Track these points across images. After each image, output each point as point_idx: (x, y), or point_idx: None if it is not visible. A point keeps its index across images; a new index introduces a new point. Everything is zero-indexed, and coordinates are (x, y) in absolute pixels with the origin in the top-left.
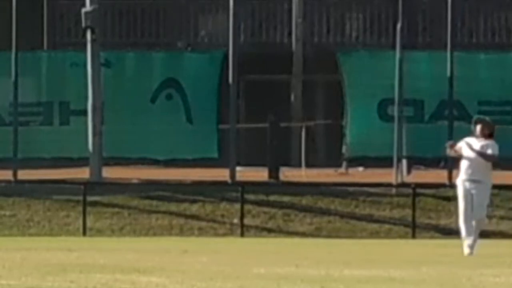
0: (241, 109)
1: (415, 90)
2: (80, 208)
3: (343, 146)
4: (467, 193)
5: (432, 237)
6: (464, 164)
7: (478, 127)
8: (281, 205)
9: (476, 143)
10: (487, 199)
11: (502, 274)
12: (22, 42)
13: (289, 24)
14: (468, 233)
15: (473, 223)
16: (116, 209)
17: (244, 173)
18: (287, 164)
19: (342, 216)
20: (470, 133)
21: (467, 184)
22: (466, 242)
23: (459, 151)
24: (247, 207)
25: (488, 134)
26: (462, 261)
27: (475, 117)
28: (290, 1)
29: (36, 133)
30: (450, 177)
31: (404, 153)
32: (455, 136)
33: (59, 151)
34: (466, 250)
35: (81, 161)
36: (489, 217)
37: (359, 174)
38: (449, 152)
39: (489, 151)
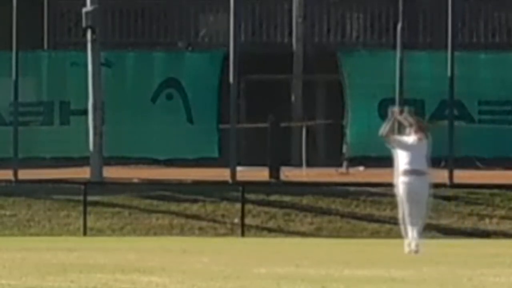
0: (241, 109)
1: (416, 90)
2: (81, 208)
3: (344, 146)
4: (409, 191)
5: (432, 237)
6: (402, 155)
7: (409, 128)
8: (281, 205)
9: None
10: (428, 194)
11: (503, 274)
12: (23, 42)
13: (290, 24)
14: (410, 233)
15: (418, 221)
16: (117, 209)
17: (245, 173)
18: (288, 163)
19: (342, 215)
20: (471, 133)
21: (409, 179)
22: (407, 241)
23: (398, 139)
24: (248, 207)
25: (422, 132)
26: (462, 261)
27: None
28: (290, 1)
29: (37, 133)
30: (450, 177)
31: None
32: (456, 135)
33: (59, 151)
34: (407, 249)
35: (81, 161)
36: (490, 217)
37: (360, 174)
38: (388, 125)
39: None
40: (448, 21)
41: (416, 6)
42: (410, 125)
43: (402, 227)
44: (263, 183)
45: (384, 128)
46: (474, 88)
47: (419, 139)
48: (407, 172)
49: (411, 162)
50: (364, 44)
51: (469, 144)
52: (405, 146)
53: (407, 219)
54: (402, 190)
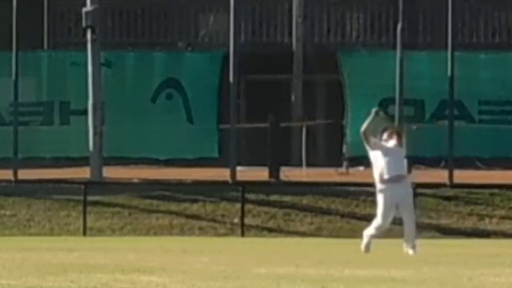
0: (241, 109)
1: (416, 90)
2: (81, 208)
3: (344, 146)
4: (392, 201)
5: (432, 237)
6: (382, 162)
7: (386, 134)
8: (281, 205)
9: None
10: (412, 197)
11: (502, 274)
12: (23, 42)
13: (289, 24)
14: (374, 236)
15: (410, 227)
16: (117, 209)
17: (245, 173)
18: (288, 163)
19: (342, 215)
20: (471, 133)
21: (393, 187)
22: (369, 241)
23: (377, 140)
24: (248, 206)
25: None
26: (462, 261)
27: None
28: (290, 1)
29: (37, 133)
30: (450, 177)
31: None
32: (455, 135)
33: (59, 151)
34: (372, 247)
35: (81, 161)
36: (489, 217)
37: (360, 174)
38: (371, 119)
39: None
40: (448, 21)
41: (416, 6)
42: (392, 130)
43: (374, 232)
44: (263, 183)
45: (365, 126)
46: (474, 88)
47: (398, 144)
48: (389, 180)
49: (392, 169)
50: (364, 44)
51: (469, 144)
52: (383, 148)
53: (382, 225)
54: (387, 199)
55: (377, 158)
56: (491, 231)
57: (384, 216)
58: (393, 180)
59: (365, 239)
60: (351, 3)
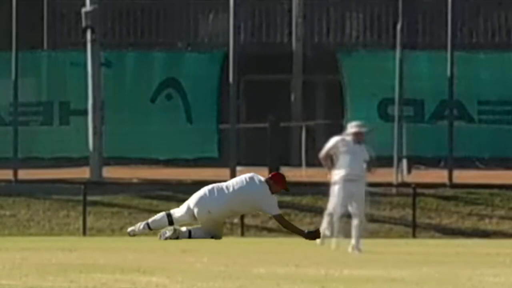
0: (241, 109)
1: (415, 90)
2: (80, 208)
3: None
4: (346, 194)
5: (432, 237)
6: (345, 158)
7: (355, 136)
8: (281, 205)
9: (352, 145)
10: (364, 196)
11: (502, 274)
12: (22, 42)
13: (289, 24)
14: (339, 231)
15: (355, 222)
16: (116, 209)
17: (244, 173)
18: (287, 163)
19: (342, 215)
20: (471, 133)
21: (348, 184)
22: (335, 239)
23: (333, 149)
24: None
25: (362, 139)
26: (462, 261)
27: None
28: (290, 1)
29: (36, 133)
30: (450, 177)
31: (404, 153)
32: (455, 135)
33: (59, 151)
34: (334, 246)
35: (81, 161)
36: (489, 217)
37: None
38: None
39: (367, 157)
40: (448, 21)
41: (416, 6)
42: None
43: (327, 219)
44: None
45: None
46: (474, 88)
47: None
48: (346, 180)
49: (352, 166)
50: (364, 44)
51: (468, 144)
52: (349, 152)
53: (339, 216)
54: (338, 190)
55: (339, 157)
56: (491, 231)
57: (339, 203)
58: (349, 180)
59: (335, 239)
60: (351, 3)
